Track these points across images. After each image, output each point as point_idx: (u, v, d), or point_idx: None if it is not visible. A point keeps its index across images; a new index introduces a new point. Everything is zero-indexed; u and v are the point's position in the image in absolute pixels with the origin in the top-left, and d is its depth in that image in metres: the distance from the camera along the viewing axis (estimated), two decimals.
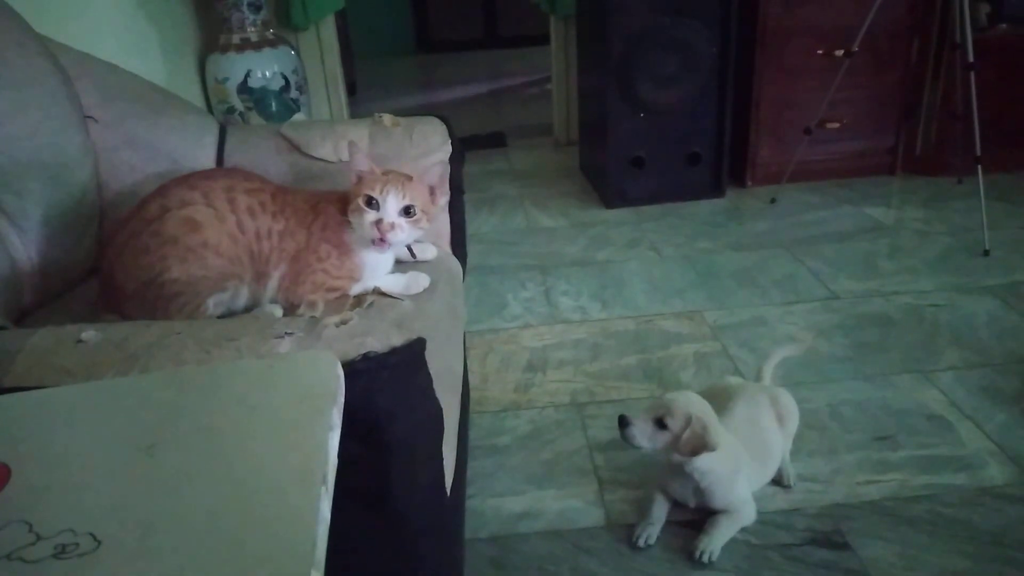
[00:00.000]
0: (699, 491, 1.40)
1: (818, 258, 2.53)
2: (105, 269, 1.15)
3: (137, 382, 0.67)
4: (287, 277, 1.19)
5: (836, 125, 3.11)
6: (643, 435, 1.35)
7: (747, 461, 1.43)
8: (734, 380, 1.64)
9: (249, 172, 1.27)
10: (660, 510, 1.45)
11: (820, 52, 3.01)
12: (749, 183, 3.24)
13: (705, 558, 1.35)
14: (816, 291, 2.31)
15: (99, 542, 0.45)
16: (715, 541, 1.37)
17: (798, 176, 3.13)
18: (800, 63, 3.03)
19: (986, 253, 2.48)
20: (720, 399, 1.53)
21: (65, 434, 0.57)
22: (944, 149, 3.15)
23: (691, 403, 1.36)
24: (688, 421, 1.33)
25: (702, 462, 1.35)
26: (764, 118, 3.13)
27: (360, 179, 1.19)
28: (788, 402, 1.56)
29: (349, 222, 1.18)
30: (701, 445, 1.32)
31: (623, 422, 1.37)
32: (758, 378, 1.65)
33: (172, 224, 1.11)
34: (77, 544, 0.45)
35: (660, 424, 1.34)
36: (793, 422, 1.55)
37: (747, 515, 1.42)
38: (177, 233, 1.10)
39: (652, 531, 1.42)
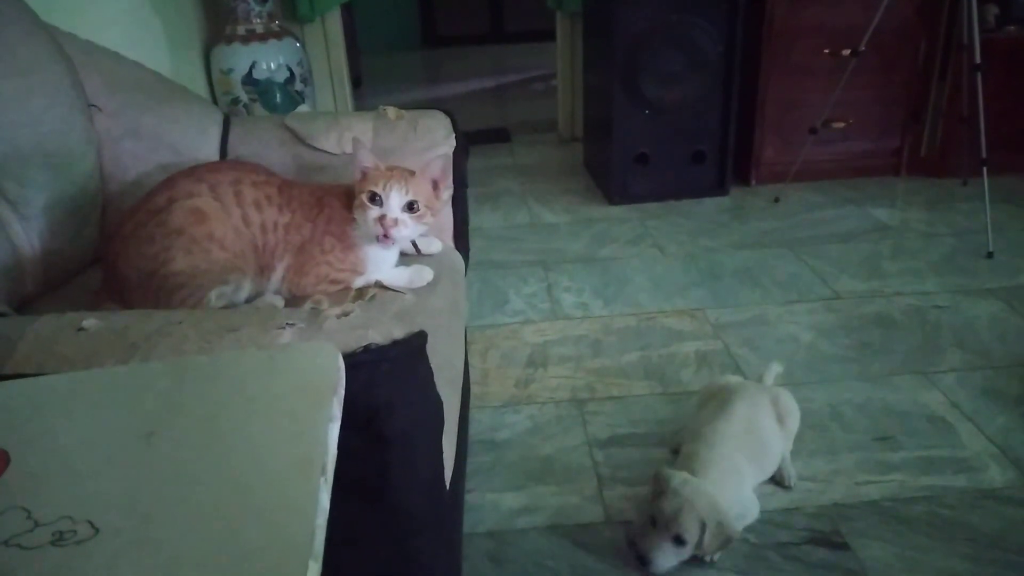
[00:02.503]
0: None
1: (821, 258, 2.53)
2: (109, 259, 1.15)
3: (137, 371, 0.67)
4: (291, 269, 1.20)
5: (841, 125, 3.10)
6: (667, 560, 1.29)
7: (748, 469, 1.42)
8: (734, 379, 1.63)
9: (256, 165, 1.27)
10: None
11: (827, 52, 3.00)
12: (753, 182, 3.24)
13: (707, 559, 1.34)
14: (819, 291, 2.31)
15: (97, 530, 0.45)
16: (716, 543, 1.35)
17: (802, 176, 3.12)
18: (806, 63, 3.02)
19: (990, 255, 2.47)
20: (720, 398, 1.53)
21: (65, 421, 0.57)
22: (950, 151, 3.14)
23: (694, 504, 1.27)
24: (703, 526, 1.26)
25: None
26: (769, 117, 3.12)
27: (364, 175, 1.19)
28: (788, 402, 1.56)
29: (353, 217, 1.18)
30: (727, 540, 1.27)
31: (643, 560, 1.30)
32: (760, 379, 1.65)
33: (178, 215, 1.11)
34: (75, 531, 0.45)
35: (679, 541, 1.27)
36: (794, 422, 1.55)
37: (750, 516, 1.41)
38: (183, 224, 1.10)
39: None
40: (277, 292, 1.21)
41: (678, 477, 1.31)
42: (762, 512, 1.43)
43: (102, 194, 1.37)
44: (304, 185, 1.26)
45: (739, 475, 1.40)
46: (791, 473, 1.52)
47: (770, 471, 1.50)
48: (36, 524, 0.45)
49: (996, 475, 1.52)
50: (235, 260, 1.14)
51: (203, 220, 1.11)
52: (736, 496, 1.37)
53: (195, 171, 1.18)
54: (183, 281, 1.09)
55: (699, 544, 1.28)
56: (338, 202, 1.22)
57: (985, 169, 2.55)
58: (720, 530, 1.27)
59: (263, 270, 1.19)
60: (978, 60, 2.54)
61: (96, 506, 0.47)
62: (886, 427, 1.68)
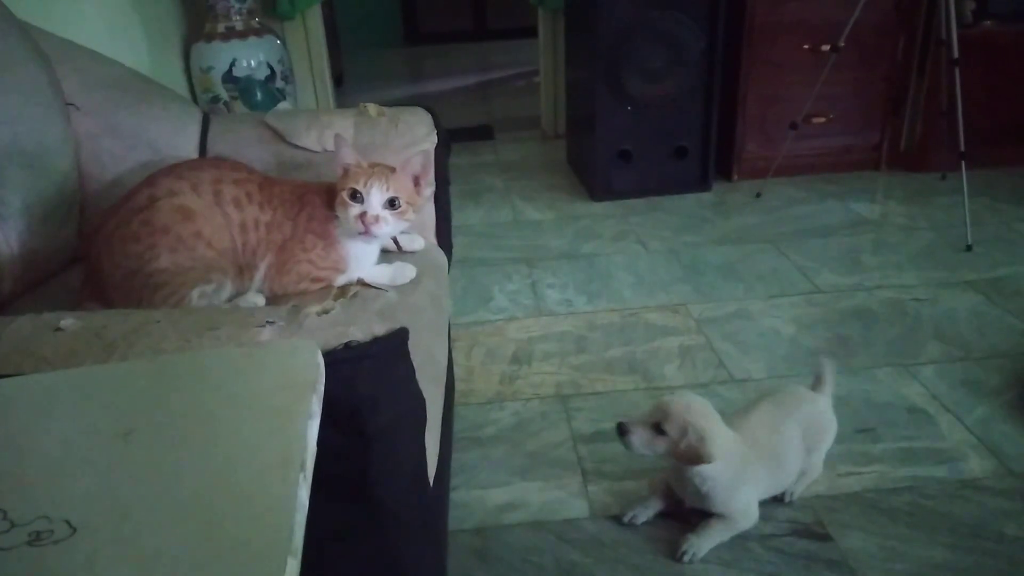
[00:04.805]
0: (699, 494, 1.36)
1: (802, 252, 2.54)
2: (91, 258, 1.14)
3: (115, 369, 0.67)
4: (273, 267, 1.20)
5: (822, 120, 3.13)
6: (641, 442, 1.32)
7: (755, 467, 1.38)
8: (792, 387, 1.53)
9: (236, 162, 1.26)
10: (656, 499, 1.45)
11: (807, 47, 3.02)
12: (735, 177, 3.25)
13: (687, 558, 1.35)
14: (800, 285, 2.32)
15: (74, 529, 0.45)
16: (703, 544, 1.36)
17: (784, 170, 3.14)
18: (787, 58, 3.04)
19: (969, 248, 2.50)
20: (757, 399, 1.50)
21: (41, 421, 0.57)
22: (929, 145, 3.17)
23: (689, 409, 1.31)
24: (685, 430, 1.29)
25: (702, 469, 1.32)
26: (751, 113, 3.14)
27: (345, 172, 1.19)
28: (824, 418, 1.47)
29: (335, 214, 1.18)
30: (697, 456, 1.28)
31: (622, 429, 1.34)
32: (817, 385, 1.53)
33: (164, 213, 1.10)
34: (52, 531, 0.44)
35: (658, 430, 1.31)
36: (823, 439, 1.47)
37: (744, 523, 1.38)
38: (169, 222, 1.09)
39: (641, 512, 1.43)
40: (259, 291, 1.21)
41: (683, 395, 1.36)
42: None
43: (80, 193, 1.35)
44: (285, 182, 1.26)
45: (748, 467, 1.37)
46: (795, 491, 1.48)
47: (783, 484, 1.45)
48: (12, 524, 0.45)
49: (975, 465, 1.54)
50: (219, 259, 1.13)
51: (190, 218, 1.11)
52: (742, 479, 1.36)
53: (175, 169, 1.18)
54: (166, 279, 1.09)
55: (676, 447, 1.30)
56: (319, 199, 1.22)
57: (964, 163, 2.58)
58: (697, 445, 1.27)
59: (244, 269, 1.18)
60: (956, 55, 2.56)
61: (73, 505, 0.47)
62: (867, 419, 1.69)
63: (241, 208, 1.16)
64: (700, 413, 1.32)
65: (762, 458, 1.38)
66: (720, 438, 1.31)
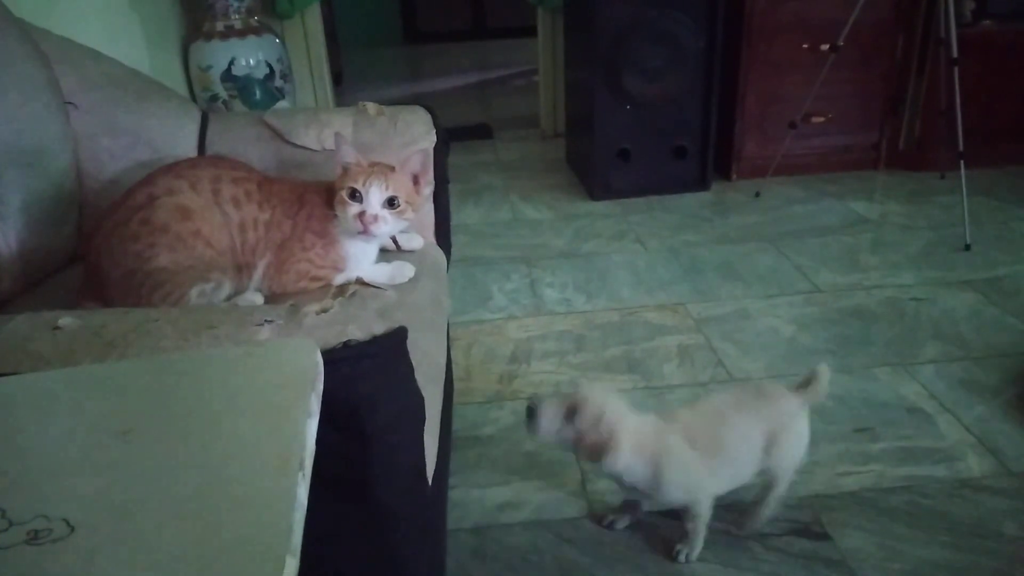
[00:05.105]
0: (635, 491, 1.31)
1: (801, 252, 2.54)
2: (91, 257, 1.14)
3: (114, 368, 0.67)
4: (272, 266, 1.19)
5: (821, 119, 3.13)
6: (549, 426, 1.25)
7: (690, 456, 1.28)
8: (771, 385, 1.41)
9: (236, 161, 1.26)
10: (628, 505, 1.43)
11: (806, 47, 3.02)
12: (734, 176, 3.25)
13: (682, 558, 1.35)
14: (799, 284, 2.32)
15: (73, 528, 0.44)
16: (691, 544, 1.35)
17: (783, 170, 3.14)
18: (786, 57, 3.04)
19: (967, 248, 2.50)
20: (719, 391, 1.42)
21: (40, 420, 0.57)
22: (928, 144, 3.17)
23: (606, 403, 1.25)
24: (598, 424, 1.22)
25: (612, 463, 1.23)
26: (750, 112, 3.14)
27: (345, 171, 1.19)
28: (789, 420, 1.33)
29: (334, 213, 1.18)
30: (600, 452, 1.22)
31: (531, 411, 1.26)
32: (801, 387, 1.38)
33: (164, 212, 1.10)
34: (50, 530, 0.44)
35: (570, 418, 1.24)
36: (787, 443, 1.32)
37: (700, 510, 1.31)
38: (169, 220, 1.09)
39: (617, 519, 1.43)
40: (257, 290, 1.21)
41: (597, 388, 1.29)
42: (744, 503, 1.44)
43: (79, 192, 1.35)
44: (284, 181, 1.26)
45: (671, 455, 1.28)
46: (762, 516, 1.38)
47: (725, 481, 1.33)
48: (10, 523, 0.45)
49: (974, 465, 1.54)
50: (219, 257, 1.13)
51: (189, 216, 1.11)
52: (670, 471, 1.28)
53: (174, 167, 1.18)
54: (166, 278, 1.08)
55: (582, 440, 1.23)
56: (319, 199, 1.22)
57: (962, 162, 2.58)
58: (606, 440, 1.21)
59: (243, 268, 1.18)
60: (955, 54, 2.56)
61: (72, 504, 0.47)
62: (866, 418, 1.69)
63: (240, 207, 1.17)
64: (615, 409, 1.25)
65: (701, 449, 1.29)
66: (628, 435, 1.24)
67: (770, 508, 1.38)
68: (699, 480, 1.30)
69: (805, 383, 1.38)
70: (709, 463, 1.30)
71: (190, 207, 1.11)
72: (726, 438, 1.31)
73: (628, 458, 1.24)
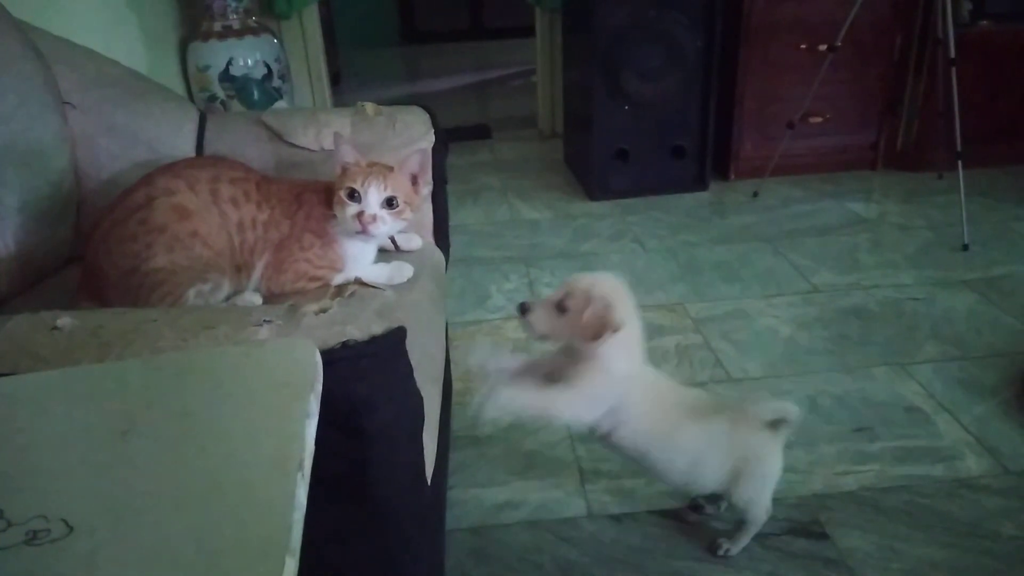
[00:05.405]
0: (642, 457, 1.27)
1: (799, 252, 2.55)
2: (88, 257, 1.13)
3: (112, 368, 0.67)
4: (270, 266, 1.19)
5: (819, 120, 3.13)
6: (542, 321, 1.20)
7: (682, 421, 1.26)
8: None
9: (234, 161, 1.26)
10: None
11: (803, 47, 3.02)
12: (732, 177, 3.25)
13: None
14: (797, 284, 2.32)
15: (71, 528, 0.44)
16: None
17: (781, 170, 3.14)
18: (784, 58, 3.04)
19: (965, 248, 2.50)
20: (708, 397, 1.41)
21: (38, 420, 0.56)
22: (925, 144, 3.17)
23: (595, 283, 1.19)
24: (588, 300, 1.16)
25: (611, 340, 1.16)
26: (748, 112, 3.14)
27: (344, 171, 1.19)
28: (759, 445, 1.28)
29: (333, 213, 1.18)
30: (602, 325, 1.15)
31: (523, 308, 1.22)
32: (776, 423, 1.30)
33: (161, 212, 1.10)
34: (49, 530, 0.44)
35: (561, 308, 1.19)
36: (754, 468, 1.28)
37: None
38: (166, 221, 1.09)
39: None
40: (256, 290, 1.21)
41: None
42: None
43: (77, 192, 1.35)
44: (282, 181, 1.26)
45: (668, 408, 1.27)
46: (732, 548, 1.35)
47: (689, 479, 1.30)
48: (9, 524, 0.45)
49: (972, 464, 1.54)
50: (216, 258, 1.13)
51: (186, 217, 1.11)
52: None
53: (173, 167, 1.17)
54: (163, 278, 1.08)
55: (579, 326, 1.17)
56: (317, 198, 1.21)
57: (960, 162, 2.58)
58: (603, 313, 1.16)
59: (241, 268, 1.18)
60: (953, 54, 2.56)
61: (71, 504, 0.47)
62: (864, 418, 1.69)
63: (238, 207, 1.16)
64: (608, 285, 1.20)
65: (667, 418, 1.27)
66: (629, 311, 1.19)
67: (742, 538, 1.35)
68: (659, 431, 1.26)
69: (775, 422, 1.29)
70: (668, 432, 1.27)
71: (188, 207, 1.11)
72: (700, 435, 1.27)
73: (623, 342, 1.19)
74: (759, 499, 1.31)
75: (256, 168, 1.28)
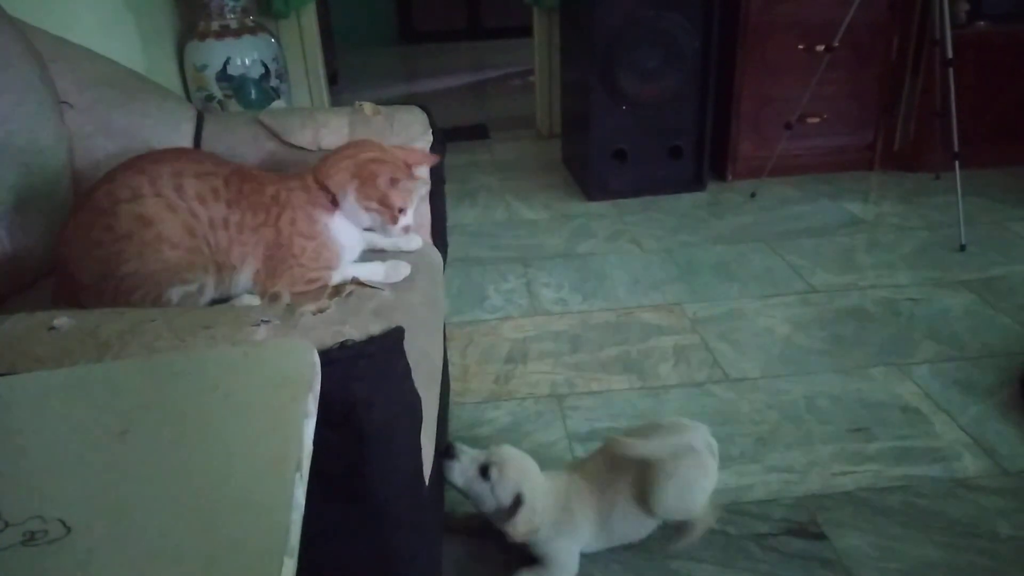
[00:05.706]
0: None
1: (797, 252, 2.55)
2: (59, 260, 1.11)
3: (110, 369, 0.66)
4: (262, 274, 1.17)
5: (816, 120, 3.13)
6: (463, 476, 1.30)
7: (579, 519, 1.32)
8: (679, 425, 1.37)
9: (202, 153, 1.24)
10: None
11: (801, 47, 3.02)
12: (730, 177, 3.26)
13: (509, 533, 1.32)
14: (794, 284, 2.33)
15: (69, 528, 0.44)
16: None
17: (778, 170, 3.15)
18: (781, 58, 3.05)
19: (962, 248, 2.50)
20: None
21: (36, 420, 0.56)
22: (922, 145, 3.18)
23: (525, 475, 1.29)
24: (518, 499, 1.27)
25: (512, 531, 1.27)
26: (745, 113, 3.14)
27: (394, 183, 1.20)
28: (678, 499, 1.29)
29: (316, 208, 1.18)
30: (531, 530, 1.27)
31: (449, 452, 1.30)
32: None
33: (125, 220, 1.06)
34: (46, 531, 0.44)
35: (484, 474, 1.29)
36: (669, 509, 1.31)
37: (561, 573, 1.33)
38: (132, 228, 1.06)
39: None
40: (251, 292, 1.20)
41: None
42: (739, 503, 1.44)
43: (74, 192, 1.35)
44: (254, 177, 1.20)
45: (566, 516, 1.32)
46: (685, 541, 1.35)
47: (619, 539, 1.37)
48: (6, 524, 0.45)
49: (969, 464, 1.55)
50: (191, 257, 1.09)
51: (149, 224, 1.07)
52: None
53: (136, 162, 1.13)
54: (139, 282, 1.06)
55: (501, 512, 1.28)
56: (300, 197, 1.18)
57: (957, 163, 2.58)
58: (529, 518, 1.26)
59: (221, 268, 1.14)
60: (950, 55, 2.57)
61: (68, 505, 0.46)
62: (861, 418, 1.70)
63: (206, 205, 1.12)
64: (532, 481, 1.30)
65: (587, 510, 1.33)
66: (538, 504, 1.28)
67: (692, 535, 1.35)
68: (578, 542, 1.34)
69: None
70: (592, 526, 1.34)
71: (148, 215, 1.07)
72: (609, 502, 1.33)
73: (530, 526, 1.27)
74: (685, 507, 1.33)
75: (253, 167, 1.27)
